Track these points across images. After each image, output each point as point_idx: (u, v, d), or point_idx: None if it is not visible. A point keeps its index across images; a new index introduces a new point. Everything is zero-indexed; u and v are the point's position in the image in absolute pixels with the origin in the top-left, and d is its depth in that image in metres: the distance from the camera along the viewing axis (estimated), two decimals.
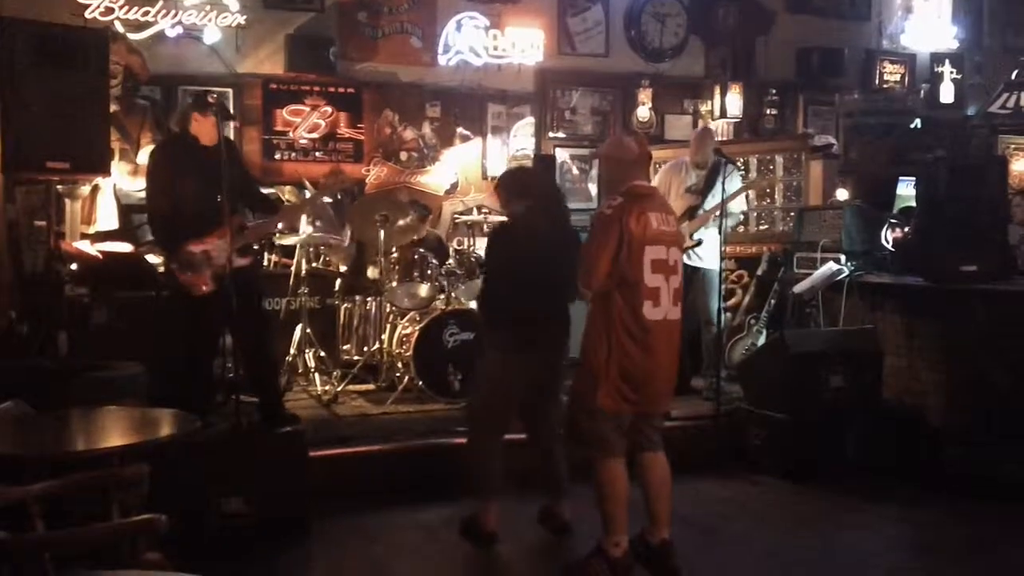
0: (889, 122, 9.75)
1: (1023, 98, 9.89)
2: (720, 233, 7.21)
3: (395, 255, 7.58)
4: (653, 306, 4.57)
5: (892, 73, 11.44)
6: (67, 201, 7.24)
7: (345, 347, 7.86)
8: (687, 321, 5.63)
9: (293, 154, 9.21)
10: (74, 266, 6.73)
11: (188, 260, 5.61)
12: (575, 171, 10.24)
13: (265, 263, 7.83)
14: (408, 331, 7.34)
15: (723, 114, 10.30)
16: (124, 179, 7.85)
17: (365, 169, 9.38)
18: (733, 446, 6.70)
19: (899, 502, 6.03)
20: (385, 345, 7.52)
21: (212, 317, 5.66)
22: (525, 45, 9.58)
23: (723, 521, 5.71)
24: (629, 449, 4.75)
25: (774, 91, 10.79)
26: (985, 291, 6.53)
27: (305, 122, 9.22)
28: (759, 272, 8.61)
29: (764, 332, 8.02)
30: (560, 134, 10.22)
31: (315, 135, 9.26)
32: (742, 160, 9.16)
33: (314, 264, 7.79)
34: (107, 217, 7.63)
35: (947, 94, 11.41)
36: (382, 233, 7.46)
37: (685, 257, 7.16)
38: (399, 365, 7.38)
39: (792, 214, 8.70)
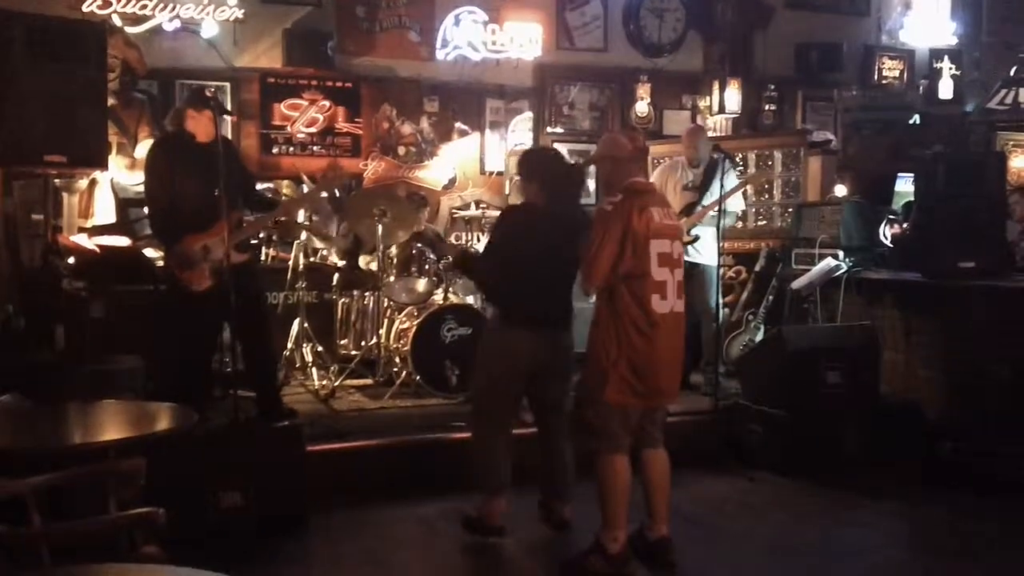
0: (888, 118, 9.77)
1: (1021, 94, 9.92)
2: (718, 230, 7.21)
3: (393, 250, 7.58)
4: (660, 299, 4.58)
5: (891, 69, 11.43)
6: (64, 195, 7.22)
7: (342, 342, 7.84)
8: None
9: (291, 148, 9.20)
10: (71, 260, 6.73)
11: (186, 255, 5.60)
12: None
13: (263, 257, 7.82)
14: (406, 326, 7.33)
15: (721, 109, 10.30)
16: (121, 173, 7.84)
17: (363, 163, 9.38)
18: (731, 442, 6.70)
19: (896, 498, 6.03)
20: (383, 340, 7.51)
21: (210, 312, 5.66)
22: (523, 40, 9.57)
23: (720, 517, 5.71)
24: (632, 445, 4.75)
25: (773, 87, 10.78)
26: (983, 287, 6.54)
27: (303, 116, 9.21)
28: (757, 268, 8.62)
29: (762, 328, 8.03)
30: (558, 129, 10.22)
31: (313, 129, 9.25)
32: (740, 156, 9.16)
33: (312, 259, 7.78)
34: (104, 211, 7.62)
35: (946, 90, 11.40)
36: (380, 227, 7.45)
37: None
38: (397, 360, 7.38)
39: (790, 210, 8.70)
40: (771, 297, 8.09)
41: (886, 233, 7.77)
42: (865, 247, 7.67)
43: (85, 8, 7.68)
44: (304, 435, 5.57)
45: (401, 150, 9.49)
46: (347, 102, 9.38)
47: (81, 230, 7.25)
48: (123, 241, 7.13)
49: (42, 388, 4.86)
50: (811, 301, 7.60)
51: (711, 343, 7.38)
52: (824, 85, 10.97)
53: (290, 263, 7.59)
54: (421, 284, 7.41)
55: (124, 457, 3.68)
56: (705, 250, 7.40)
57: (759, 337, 7.91)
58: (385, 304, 7.58)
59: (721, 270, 7.55)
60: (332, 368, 7.48)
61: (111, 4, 7.83)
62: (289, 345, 7.47)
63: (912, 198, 8.13)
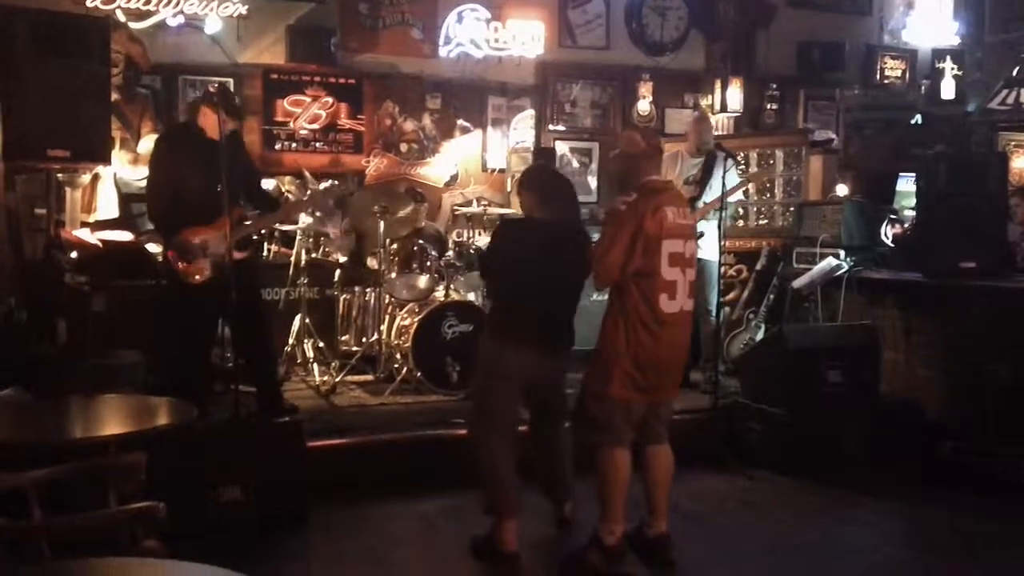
0: (889, 118, 9.78)
1: (1023, 95, 9.90)
2: (719, 227, 7.21)
3: (394, 246, 7.59)
4: (669, 299, 4.58)
5: (893, 69, 11.43)
6: (67, 189, 7.23)
7: (344, 338, 7.86)
8: None
9: (293, 144, 9.20)
10: (74, 254, 6.74)
11: (185, 248, 5.62)
12: (575, 164, 10.25)
13: (265, 253, 7.83)
14: (407, 322, 7.34)
15: (723, 108, 10.29)
16: (124, 168, 7.85)
17: (365, 160, 9.38)
18: (731, 440, 6.70)
19: (896, 497, 6.04)
20: (384, 336, 7.52)
21: (210, 306, 5.68)
22: (526, 38, 9.57)
23: (720, 515, 5.72)
24: (635, 441, 4.76)
25: (775, 85, 10.77)
26: (984, 288, 6.54)
27: (306, 113, 9.22)
28: (758, 267, 8.62)
29: (763, 327, 8.03)
30: (560, 127, 10.22)
31: (315, 126, 9.25)
32: (742, 155, 9.16)
33: (313, 255, 7.79)
34: (107, 206, 7.63)
35: (948, 90, 11.40)
36: (381, 224, 7.46)
37: None
38: (397, 356, 7.38)
39: (792, 209, 8.71)
40: (772, 296, 8.09)
41: (887, 233, 7.77)
42: (866, 246, 7.67)
43: (89, 3, 7.67)
44: (304, 431, 5.58)
45: (403, 147, 9.50)
46: (350, 98, 9.38)
47: (84, 225, 7.26)
48: (125, 236, 7.14)
49: (43, 382, 4.87)
50: (812, 300, 7.61)
51: (711, 341, 7.39)
52: (826, 84, 10.97)
53: (292, 259, 7.60)
54: (422, 281, 7.42)
55: (125, 451, 3.70)
56: (707, 245, 7.39)
57: (760, 336, 7.91)
58: (386, 300, 7.59)
59: (722, 268, 7.56)
60: (333, 364, 7.49)
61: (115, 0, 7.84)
62: (290, 341, 7.48)
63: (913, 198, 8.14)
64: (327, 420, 6.36)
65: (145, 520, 3.29)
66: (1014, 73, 9.82)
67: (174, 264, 5.67)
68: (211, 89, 5.76)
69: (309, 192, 7.85)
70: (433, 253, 7.51)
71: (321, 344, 7.56)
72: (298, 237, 7.58)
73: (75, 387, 4.87)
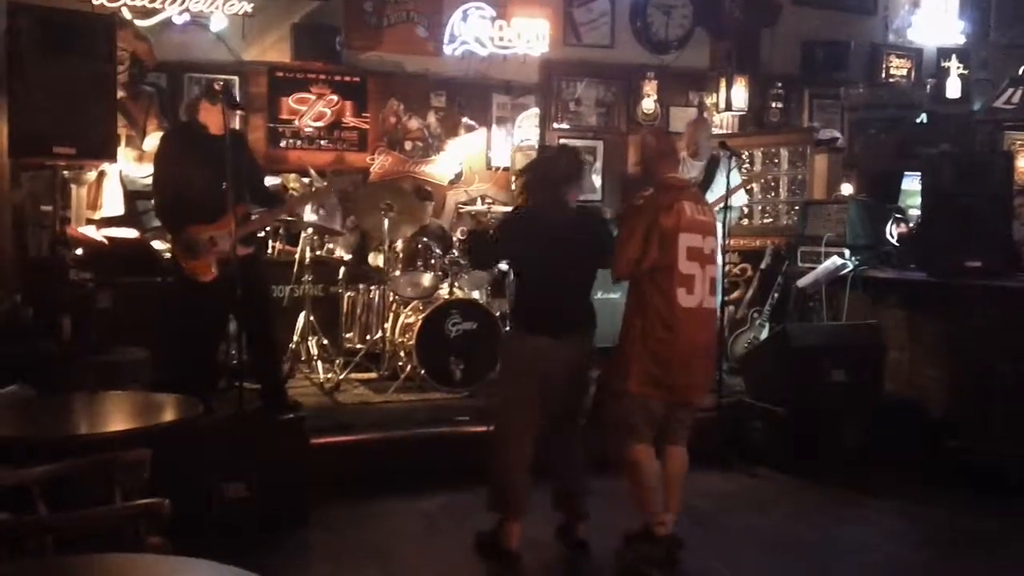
0: (894, 116, 9.73)
1: None
2: (723, 226, 7.21)
3: (399, 244, 7.60)
4: (687, 293, 4.58)
5: (898, 67, 11.42)
6: (73, 186, 7.24)
7: (348, 335, 7.87)
8: None
9: (298, 142, 9.22)
10: (79, 251, 6.75)
11: (191, 245, 5.63)
12: None
13: (269, 250, 7.84)
14: (411, 320, 7.35)
15: (728, 107, 10.28)
16: (130, 165, 7.86)
17: (369, 158, 9.39)
18: (734, 439, 6.70)
19: (899, 496, 6.04)
20: (388, 334, 7.53)
21: (215, 303, 5.69)
22: (530, 36, 9.57)
23: (724, 513, 5.73)
24: (654, 439, 4.75)
25: (779, 84, 10.76)
26: (989, 287, 6.53)
27: (310, 110, 9.23)
28: (762, 265, 8.61)
29: (767, 326, 8.03)
30: (564, 125, 10.22)
31: (320, 123, 9.26)
32: (747, 153, 9.16)
33: (318, 252, 7.80)
34: (113, 203, 7.64)
35: (953, 89, 11.38)
36: (386, 222, 7.47)
37: None
38: (401, 354, 7.39)
39: (796, 208, 8.70)
40: (776, 295, 8.09)
41: (892, 232, 7.76)
42: (871, 246, 7.66)
43: (95, 1, 7.69)
44: (308, 427, 5.59)
45: (408, 145, 9.51)
46: (354, 96, 9.39)
47: (89, 222, 7.28)
48: (131, 233, 7.16)
49: (48, 378, 4.87)
50: (816, 299, 7.61)
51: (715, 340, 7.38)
52: (831, 83, 10.95)
53: (297, 256, 7.61)
54: (426, 278, 7.42)
55: (129, 448, 3.71)
56: None
57: (764, 335, 7.91)
58: (391, 298, 7.60)
59: (726, 267, 7.56)
60: (337, 361, 7.51)
61: None
62: (295, 338, 7.49)
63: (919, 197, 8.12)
64: (331, 417, 6.38)
65: (149, 517, 3.30)
66: (1020, 72, 9.77)
67: (180, 261, 5.69)
68: (216, 87, 5.75)
69: (313, 186, 7.86)
70: (437, 251, 7.52)
71: (325, 341, 7.57)
72: (303, 234, 7.59)
73: (80, 384, 4.87)
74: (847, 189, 9.07)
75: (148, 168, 7.56)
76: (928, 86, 11.23)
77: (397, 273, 7.45)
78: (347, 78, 9.35)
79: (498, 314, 7.37)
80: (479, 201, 9.36)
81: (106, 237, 6.92)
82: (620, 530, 5.03)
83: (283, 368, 6.83)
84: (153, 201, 6.17)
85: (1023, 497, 5.86)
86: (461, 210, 9.37)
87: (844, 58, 10.93)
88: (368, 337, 7.72)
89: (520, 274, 5.07)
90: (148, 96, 8.21)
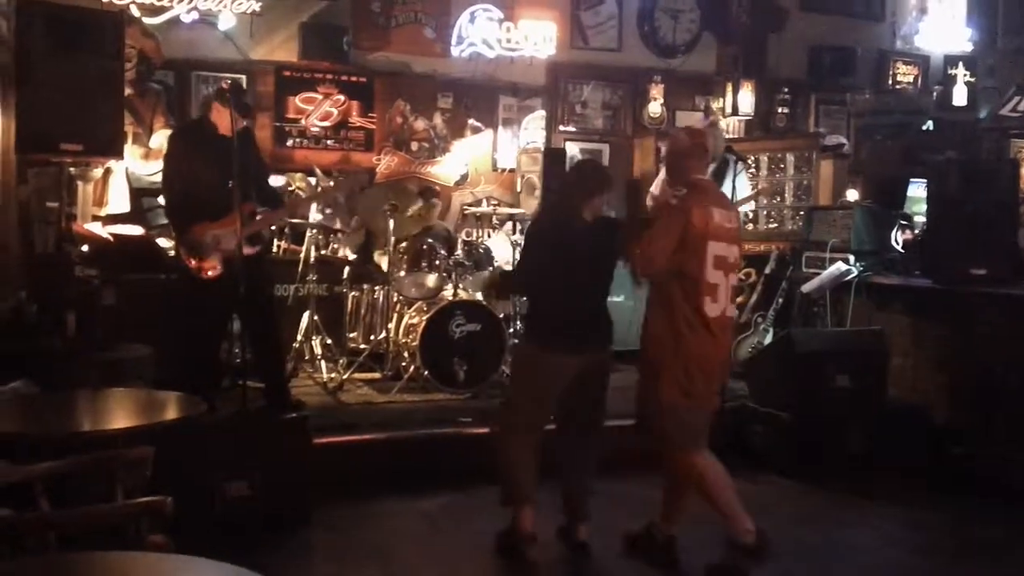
0: (900, 123, 9.73)
1: None
2: None
3: (403, 245, 7.60)
4: (712, 302, 4.51)
5: (905, 74, 11.42)
6: (79, 183, 7.24)
7: (352, 335, 7.87)
8: None
9: (304, 141, 9.23)
10: (85, 248, 6.76)
11: (196, 243, 5.64)
12: None
13: (274, 249, 7.85)
14: (415, 321, 7.35)
15: (734, 111, 10.28)
16: (136, 162, 7.87)
17: (376, 158, 9.40)
18: (738, 443, 6.69)
19: (902, 502, 6.03)
20: (391, 334, 7.54)
21: (220, 302, 5.70)
22: (538, 38, 9.58)
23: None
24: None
25: (786, 89, 10.77)
26: (994, 294, 6.53)
27: (317, 110, 9.24)
28: (767, 270, 8.59)
29: (771, 331, 8.02)
30: (571, 128, 10.24)
31: (327, 123, 9.28)
32: (753, 158, 9.16)
33: (323, 251, 7.81)
34: (119, 200, 7.65)
35: (960, 96, 11.38)
36: (391, 222, 7.47)
37: None
38: (405, 354, 7.40)
39: (802, 213, 8.69)
40: (780, 300, 8.07)
41: (897, 238, 7.75)
42: (876, 252, 7.65)
43: None
44: (311, 427, 5.59)
45: (414, 145, 9.52)
46: (361, 96, 9.41)
47: (95, 218, 7.29)
48: (137, 230, 7.17)
49: (52, 375, 4.89)
50: (821, 305, 7.60)
51: None
52: (837, 89, 10.96)
53: (301, 255, 7.62)
54: (431, 279, 7.42)
55: (132, 445, 3.71)
56: None
57: (768, 340, 7.90)
58: (395, 298, 7.61)
59: None
60: (341, 361, 7.51)
61: None
62: (298, 337, 7.49)
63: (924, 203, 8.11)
64: (334, 417, 6.38)
65: (151, 515, 3.29)
66: None
67: (186, 260, 5.69)
68: (224, 86, 5.77)
69: (319, 186, 7.87)
70: (442, 252, 7.52)
71: (329, 341, 7.57)
72: (308, 233, 7.60)
73: (83, 381, 4.88)
74: (853, 195, 9.07)
75: (154, 166, 7.59)
76: (935, 93, 11.25)
77: (402, 273, 7.45)
78: (354, 78, 9.36)
79: (502, 316, 7.37)
80: (484, 203, 9.36)
81: (112, 234, 6.93)
82: (621, 532, 5.05)
83: (287, 367, 6.83)
84: (163, 199, 6.19)
85: None
86: (466, 211, 9.38)
87: (851, 64, 10.93)
88: (372, 337, 7.73)
89: (540, 285, 4.95)
90: (155, 94, 8.23)
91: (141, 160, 7.90)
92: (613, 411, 5.07)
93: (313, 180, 8.14)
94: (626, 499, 5.54)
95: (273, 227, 7.45)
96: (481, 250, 7.73)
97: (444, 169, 9.62)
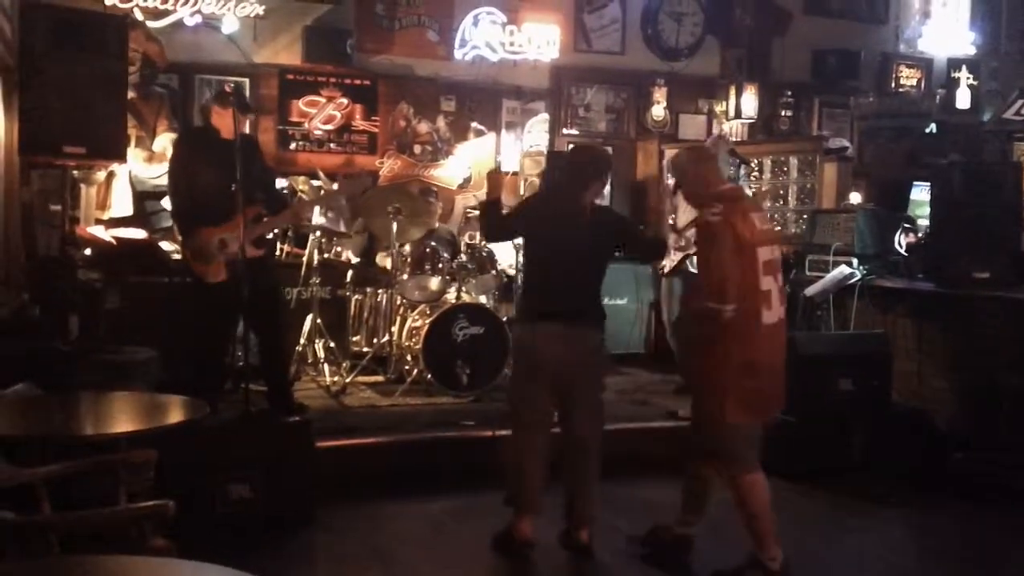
0: (904, 126, 9.73)
1: None
2: None
3: (407, 248, 7.60)
4: (767, 310, 4.39)
5: (908, 77, 11.41)
6: (82, 186, 7.26)
7: (355, 338, 7.87)
8: None
9: (308, 145, 9.24)
10: (88, 251, 6.77)
11: (202, 247, 5.65)
12: None
13: (278, 253, 7.85)
14: (418, 324, 7.35)
15: (738, 114, 10.29)
16: (139, 166, 7.88)
17: (379, 161, 9.40)
18: None
19: (903, 505, 6.02)
20: (395, 337, 7.54)
21: (224, 305, 5.70)
22: (541, 41, 9.57)
23: (725, 519, 5.70)
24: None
25: (789, 92, 10.77)
26: (997, 298, 6.52)
27: (321, 113, 9.25)
28: None
29: None
30: (574, 131, 10.23)
31: (330, 126, 9.29)
32: (756, 161, 9.16)
33: (326, 255, 7.81)
34: (122, 203, 7.66)
35: (963, 99, 11.38)
36: (394, 225, 7.47)
37: (690, 264, 7.19)
38: (408, 357, 7.40)
39: (805, 216, 8.69)
40: None
41: (901, 241, 7.74)
42: (879, 255, 7.64)
43: (108, 1, 7.71)
44: (314, 430, 5.59)
45: (417, 148, 9.51)
46: (365, 100, 9.41)
47: (98, 222, 7.30)
48: (139, 233, 7.17)
49: (55, 377, 4.89)
50: (824, 308, 7.57)
51: None
52: (841, 92, 10.96)
53: (304, 259, 7.62)
54: (434, 282, 7.42)
55: (135, 448, 3.71)
56: None
57: None
58: (398, 301, 7.61)
59: None
60: (344, 364, 7.51)
61: None
62: (301, 340, 7.48)
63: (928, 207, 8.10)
64: (336, 420, 6.39)
65: (154, 518, 3.30)
66: None
67: (191, 263, 5.71)
68: (227, 89, 5.79)
69: (322, 189, 7.86)
70: (445, 255, 7.52)
71: (332, 344, 7.57)
72: (311, 237, 7.60)
73: (86, 383, 4.88)
74: (856, 198, 9.06)
75: (157, 169, 7.60)
76: (938, 96, 11.25)
77: (405, 276, 7.44)
78: (357, 81, 9.37)
79: (505, 319, 7.37)
80: None
81: (114, 237, 6.94)
82: (623, 534, 5.05)
83: (290, 370, 6.83)
84: (169, 203, 6.22)
85: None
86: (469, 215, 9.37)
87: (854, 67, 10.93)
88: (375, 340, 7.73)
89: (528, 255, 5.08)
90: (159, 97, 8.24)
91: (144, 163, 7.91)
92: (618, 415, 5.06)
93: (316, 183, 8.13)
94: (629, 502, 5.54)
95: (277, 231, 7.44)
96: (484, 253, 7.72)
97: (447, 172, 9.61)
